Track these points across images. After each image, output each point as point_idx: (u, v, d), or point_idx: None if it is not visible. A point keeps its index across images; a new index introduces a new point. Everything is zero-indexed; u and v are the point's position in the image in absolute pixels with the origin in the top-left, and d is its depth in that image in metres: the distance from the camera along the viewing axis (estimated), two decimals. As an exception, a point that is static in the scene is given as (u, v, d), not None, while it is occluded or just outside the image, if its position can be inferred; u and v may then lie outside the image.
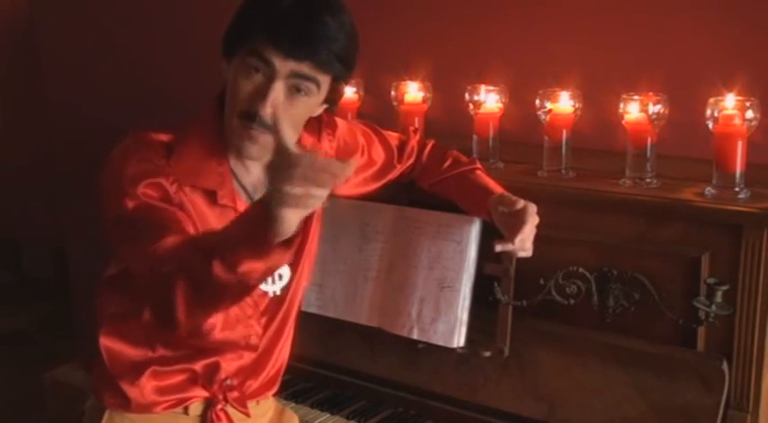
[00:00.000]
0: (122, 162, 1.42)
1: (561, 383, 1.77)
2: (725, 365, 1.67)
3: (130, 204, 1.37)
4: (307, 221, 1.60)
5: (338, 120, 1.76)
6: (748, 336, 1.67)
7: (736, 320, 1.67)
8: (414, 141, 1.90)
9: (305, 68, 1.38)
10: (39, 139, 4.03)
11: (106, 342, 1.55)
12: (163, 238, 1.30)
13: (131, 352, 1.55)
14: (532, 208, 1.64)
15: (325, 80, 1.43)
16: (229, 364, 1.58)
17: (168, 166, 1.43)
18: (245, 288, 1.23)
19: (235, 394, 1.60)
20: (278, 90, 1.38)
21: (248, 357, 1.60)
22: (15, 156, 4.62)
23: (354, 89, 2.23)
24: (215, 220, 1.47)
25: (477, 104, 2.01)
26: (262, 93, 1.38)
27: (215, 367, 1.56)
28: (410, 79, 2.18)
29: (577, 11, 2.08)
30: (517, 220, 1.63)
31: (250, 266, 1.18)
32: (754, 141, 1.73)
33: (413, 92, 2.15)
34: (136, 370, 1.53)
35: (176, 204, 1.42)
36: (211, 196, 1.47)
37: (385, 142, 1.85)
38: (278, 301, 1.62)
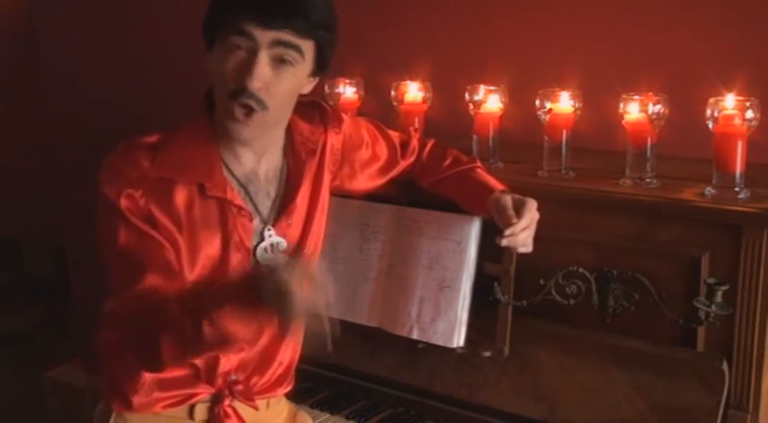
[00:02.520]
0: (101, 179, 1.45)
1: (561, 383, 1.77)
2: (725, 365, 1.67)
3: (113, 233, 1.43)
4: (311, 213, 1.62)
5: (343, 114, 1.76)
6: (748, 336, 1.67)
7: (735, 320, 1.67)
8: (415, 140, 1.90)
9: (286, 36, 1.39)
10: (39, 139, 4.03)
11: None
12: (144, 279, 1.39)
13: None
14: (532, 202, 1.64)
15: (308, 48, 1.43)
16: (229, 358, 1.57)
17: (150, 169, 1.44)
18: (235, 340, 1.32)
19: (240, 388, 1.60)
20: (263, 61, 1.39)
21: (249, 351, 1.59)
22: (15, 156, 4.62)
23: (354, 89, 2.23)
24: (211, 216, 1.48)
25: (477, 104, 2.01)
26: (247, 67, 1.39)
27: (215, 362, 1.56)
28: (410, 79, 2.18)
29: (577, 11, 2.08)
30: (519, 211, 1.63)
31: (240, 328, 1.28)
32: (754, 141, 1.73)
33: (413, 92, 2.15)
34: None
35: (144, 218, 1.44)
36: (201, 189, 1.47)
37: (388, 138, 1.86)
38: None
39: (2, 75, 4.60)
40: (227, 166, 1.51)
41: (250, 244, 1.53)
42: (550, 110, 1.91)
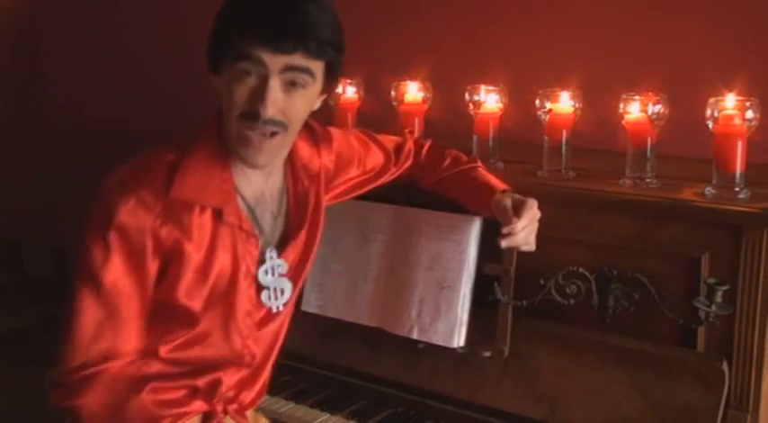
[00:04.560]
0: (117, 200, 1.39)
1: (561, 383, 1.76)
2: (725, 365, 1.67)
3: (101, 273, 1.40)
4: (312, 237, 1.61)
5: (333, 130, 1.75)
6: (748, 336, 1.67)
7: (735, 320, 1.67)
8: (410, 143, 1.89)
9: (297, 60, 1.37)
10: (39, 139, 4.03)
11: None
12: (103, 347, 1.41)
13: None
14: (532, 202, 1.64)
15: (318, 69, 1.41)
16: (231, 379, 1.57)
17: (169, 192, 1.40)
18: None
19: (235, 406, 1.59)
20: (275, 88, 1.37)
21: (246, 370, 1.59)
22: (15, 156, 4.61)
23: (354, 89, 2.23)
24: (225, 238, 1.47)
25: (477, 104, 2.01)
26: (259, 94, 1.37)
27: (217, 382, 1.55)
28: (410, 79, 2.18)
29: (577, 11, 2.08)
30: (519, 210, 1.63)
31: None
32: (754, 141, 1.73)
33: (413, 92, 2.15)
34: (133, 388, 1.48)
35: (165, 249, 1.41)
36: (218, 214, 1.46)
37: (381, 146, 1.85)
38: (276, 314, 1.61)
39: (2, 75, 4.59)
40: (237, 189, 1.49)
41: (255, 267, 1.53)
42: (550, 110, 1.91)
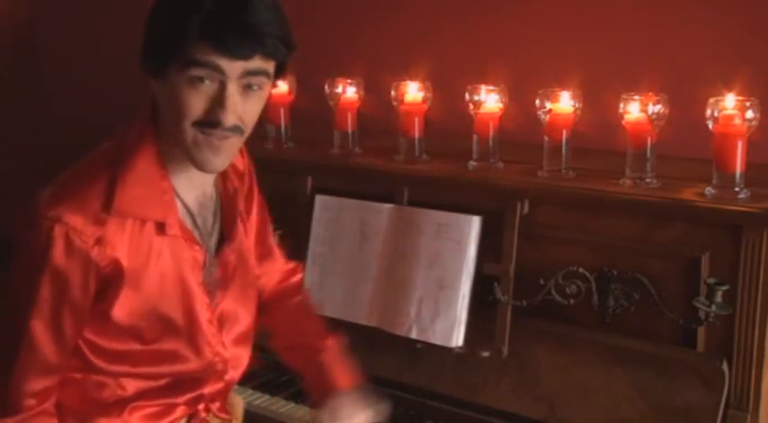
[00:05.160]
0: (50, 236, 1.30)
1: (561, 383, 1.76)
2: (725, 365, 1.67)
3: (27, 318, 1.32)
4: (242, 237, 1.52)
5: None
6: (748, 336, 1.67)
7: (735, 320, 1.67)
8: (294, 267, 1.74)
9: (255, 64, 1.29)
10: (38, 140, 4.02)
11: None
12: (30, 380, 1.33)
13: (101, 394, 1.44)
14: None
15: (272, 68, 1.33)
16: (212, 388, 1.52)
17: (108, 209, 1.32)
18: None
19: (217, 405, 1.55)
20: (234, 93, 1.29)
21: (222, 381, 1.54)
22: (15, 156, 4.61)
23: (354, 89, 2.23)
24: (167, 250, 1.39)
25: (477, 104, 2.01)
26: (218, 101, 1.28)
27: (198, 398, 1.51)
28: (410, 79, 2.17)
29: (577, 11, 2.08)
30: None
31: None
32: (754, 141, 1.73)
33: (413, 92, 2.15)
34: (110, 412, 1.44)
35: (104, 275, 1.33)
36: (160, 226, 1.38)
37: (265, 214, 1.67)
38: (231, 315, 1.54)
39: (1, 76, 4.59)
40: (179, 196, 1.42)
41: (200, 273, 1.44)
42: (550, 110, 1.91)
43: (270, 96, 1.41)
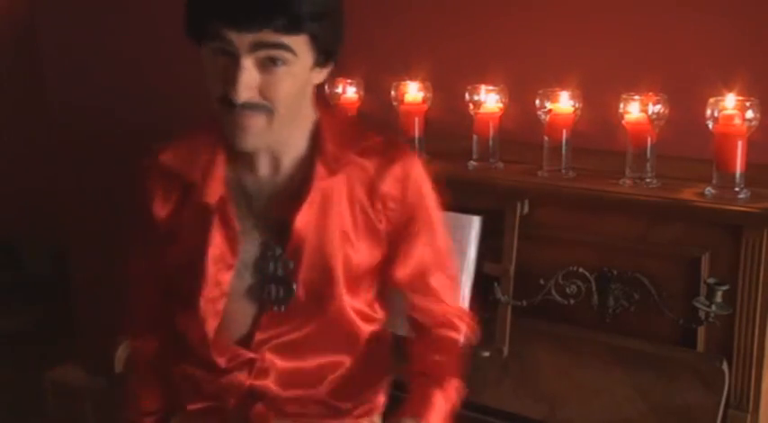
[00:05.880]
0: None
1: (561, 383, 1.76)
2: (725, 365, 1.67)
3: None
4: (322, 237, 1.45)
5: (415, 158, 1.49)
6: (748, 336, 1.67)
7: (735, 320, 1.67)
8: (466, 323, 1.60)
9: (267, 36, 1.25)
10: (39, 139, 4.03)
11: None
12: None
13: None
14: None
15: (299, 43, 1.28)
16: (238, 387, 1.52)
17: (159, 159, 1.47)
18: None
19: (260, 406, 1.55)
20: (247, 68, 1.27)
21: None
22: (15, 156, 4.62)
23: (354, 89, 2.23)
24: (193, 212, 1.43)
25: (477, 104, 2.01)
26: (231, 74, 1.27)
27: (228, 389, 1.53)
28: (410, 79, 2.17)
29: (577, 11, 2.08)
30: None
31: None
32: (754, 141, 1.73)
33: (413, 92, 2.15)
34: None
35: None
36: (195, 191, 1.40)
37: (437, 242, 1.55)
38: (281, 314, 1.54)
39: (2, 75, 4.60)
40: (234, 173, 1.42)
41: (236, 257, 1.43)
42: (550, 110, 1.91)
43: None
